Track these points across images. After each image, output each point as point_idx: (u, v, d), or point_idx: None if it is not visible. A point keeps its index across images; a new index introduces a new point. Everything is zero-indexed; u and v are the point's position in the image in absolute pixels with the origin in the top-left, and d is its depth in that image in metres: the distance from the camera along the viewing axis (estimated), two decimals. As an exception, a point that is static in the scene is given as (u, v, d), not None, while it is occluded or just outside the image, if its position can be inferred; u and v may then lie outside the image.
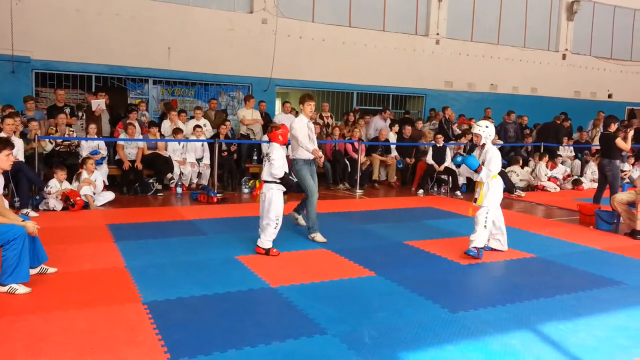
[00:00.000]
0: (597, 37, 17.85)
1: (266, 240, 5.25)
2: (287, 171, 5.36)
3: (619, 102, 18.20)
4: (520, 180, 10.98)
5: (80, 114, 9.89)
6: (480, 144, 5.52)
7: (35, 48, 10.86)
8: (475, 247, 5.35)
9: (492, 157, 5.40)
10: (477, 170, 5.43)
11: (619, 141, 8.04)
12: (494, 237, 5.70)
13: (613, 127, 8.30)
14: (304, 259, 5.23)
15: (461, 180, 10.41)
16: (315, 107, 6.31)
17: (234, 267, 4.85)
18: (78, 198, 7.30)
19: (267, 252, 5.25)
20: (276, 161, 5.22)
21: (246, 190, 9.49)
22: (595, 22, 17.77)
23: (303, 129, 6.05)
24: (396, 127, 11.41)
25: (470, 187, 10.38)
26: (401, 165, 11.01)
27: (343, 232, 6.53)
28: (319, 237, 5.97)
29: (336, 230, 6.59)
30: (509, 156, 12.17)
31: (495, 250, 5.70)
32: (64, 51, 11.07)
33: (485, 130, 5.47)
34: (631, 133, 8.56)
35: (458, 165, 5.65)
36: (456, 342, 3.35)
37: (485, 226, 5.38)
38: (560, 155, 12.30)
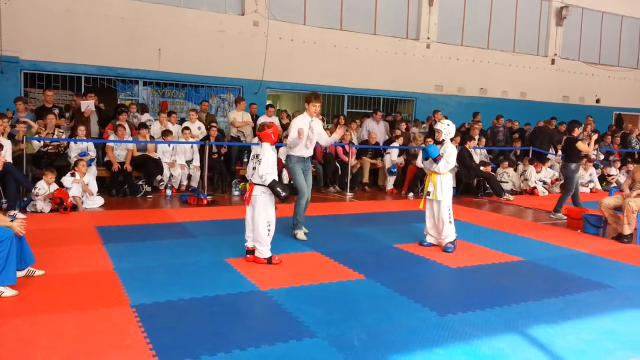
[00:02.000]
0: (586, 42, 18.06)
1: (264, 249, 5.03)
2: (277, 178, 5.01)
3: (607, 107, 18.41)
4: (508, 182, 11.06)
5: (68, 114, 9.82)
6: (440, 140, 5.86)
7: (24, 48, 10.77)
8: (450, 243, 5.76)
9: (451, 153, 5.80)
10: (436, 159, 5.75)
11: (579, 144, 8.23)
12: (430, 234, 5.99)
13: (576, 132, 8.51)
14: (294, 261, 5.22)
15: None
16: (319, 108, 6.27)
17: (223, 270, 4.83)
18: (69, 200, 7.24)
19: (269, 260, 5.02)
20: (264, 165, 4.88)
21: (236, 193, 9.46)
22: (584, 28, 17.98)
23: (303, 128, 6.03)
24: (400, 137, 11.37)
25: (460, 190, 10.45)
26: (395, 170, 10.88)
27: (333, 234, 6.54)
28: (300, 234, 6.09)
29: (326, 233, 6.60)
30: (498, 160, 12.25)
31: (434, 245, 5.95)
32: (53, 52, 11.00)
33: (446, 127, 5.86)
34: (595, 137, 8.81)
35: (426, 158, 5.88)
36: (445, 346, 3.36)
37: (450, 222, 5.78)
38: (549, 159, 12.39)
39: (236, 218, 7.29)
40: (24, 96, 10.52)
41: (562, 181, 11.85)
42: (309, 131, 6.11)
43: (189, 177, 9.64)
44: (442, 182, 5.79)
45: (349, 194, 10.03)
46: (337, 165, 10.69)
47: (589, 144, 8.39)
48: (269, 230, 5.01)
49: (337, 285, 4.51)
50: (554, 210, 8.53)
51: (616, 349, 3.44)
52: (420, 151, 10.48)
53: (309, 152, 6.24)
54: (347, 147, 10.51)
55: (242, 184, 9.65)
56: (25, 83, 11.11)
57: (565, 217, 8.00)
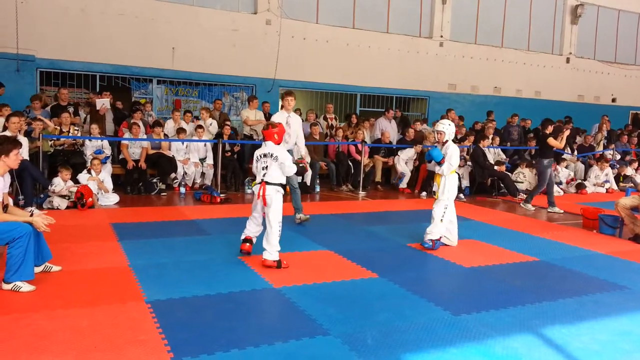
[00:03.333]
0: (601, 41, 17.83)
1: (274, 251, 4.89)
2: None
3: (623, 106, 18.17)
4: (524, 182, 10.97)
5: (82, 113, 9.92)
6: (443, 141, 5.86)
7: (40, 47, 10.91)
8: (430, 240, 5.70)
9: (453, 153, 5.77)
10: (440, 162, 5.77)
11: (551, 140, 8.61)
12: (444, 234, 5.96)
13: (549, 129, 8.78)
14: (307, 260, 5.24)
15: (464, 183, 10.40)
16: (294, 102, 6.82)
17: (237, 267, 4.86)
18: (90, 199, 7.33)
19: (278, 264, 4.88)
20: (288, 168, 5.08)
21: (249, 191, 9.50)
22: (600, 26, 17.75)
23: (280, 122, 6.45)
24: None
25: (474, 189, 10.40)
26: (402, 177, 10.74)
27: (345, 233, 6.54)
28: None
29: (339, 231, 6.61)
30: (512, 159, 12.16)
31: (446, 245, 5.94)
32: (68, 50, 11.12)
33: (448, 127, 5.86)
34: (567, 133, 9.07)
35: (429, 161, 6.00)
36: (458, 345, 3.35)
37: (441, 220, 5.72)
38: (565, 159, 12.28)
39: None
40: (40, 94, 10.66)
41: (577, 181, 11.80)
42: (287, 126, 6.48)
43: (203, 175, 9.70)
44: (445, 183, 5.81)
45: (362, 193, 10.02)
46: (350, 164, 10.68)
47: (561, 140, 8.78)
48: (279, 229, 4.95)
49: (350, 284, 4.52)
50: (524, 201, 9.06)
51: (632, 350, 3.41)
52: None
53: (289, 145, 6.66)
54: (359, 145, 10.50)
55: (254, 182, 9.67)
56: (41, 81, 11.25)
57: (534, 209, 8.84)
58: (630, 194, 7.19)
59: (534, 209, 8.88)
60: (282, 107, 6.98)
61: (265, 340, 3.29)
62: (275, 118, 6.79)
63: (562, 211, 8.74)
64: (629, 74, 18.25)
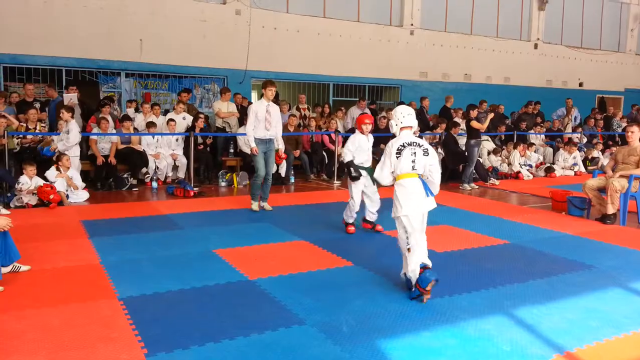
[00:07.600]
0: (568, 26, 18.16)
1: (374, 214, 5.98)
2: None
3: (590, 90, 18.58)
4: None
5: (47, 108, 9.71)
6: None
7: (2, 42, 10.56)
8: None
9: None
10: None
11: (473, 122, 9.57)
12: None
13: (473, 114, 9.74)
14: (282, 250, 5.24)
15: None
16: (274, 92, 6.95)
17: (211, 261, 4.82)
18: (52, 196, 7.12)
19: (374, 226, 5.99)
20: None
21: (223, 184, 9.42)
22: (566, 12, 18.07)
23: (259, 112, 6.78)
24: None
25: (447, 176, 10.51)
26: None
27: (320, 223, 6.55)
28: (254, 205, 6.99)
29: (314, 221, 6.61)
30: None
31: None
32: (32, 44, 10.79)
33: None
34: (491, 116, 10.16)
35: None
36: (432, 328, 3.40)
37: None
38: (534, 144, 12.52)
39: (223, 209, 7.30)
40: (4, 90, 10.34)
41: (546, 164, 12.04)
42: (267, 114, 6.80)
43: (175, 168, 9.56)
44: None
45: (336, 182, 10.04)
46: (324, 154, 10.69)
47: (484, 122, 9.70)
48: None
49: (325, 273, 4.54)
50: (462, 182, 9.69)
51: (599, 326, 3.51)
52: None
53: (270, 134, 6.93)
54: (333, 135, 10.51)
55: (228, 174, 9.61)
56: (5, 77, 10.91)
57: (471, 188, 9.54)
58: (597, 176, 7.38)
59: (470, 188, 9.58)
60: (263, 95, 6.93)
61: (241, 332, 3.28)
62: (255, 106, 6.88)
63: (477, 187, 9.69)
64: (594, 58, 18.65)
